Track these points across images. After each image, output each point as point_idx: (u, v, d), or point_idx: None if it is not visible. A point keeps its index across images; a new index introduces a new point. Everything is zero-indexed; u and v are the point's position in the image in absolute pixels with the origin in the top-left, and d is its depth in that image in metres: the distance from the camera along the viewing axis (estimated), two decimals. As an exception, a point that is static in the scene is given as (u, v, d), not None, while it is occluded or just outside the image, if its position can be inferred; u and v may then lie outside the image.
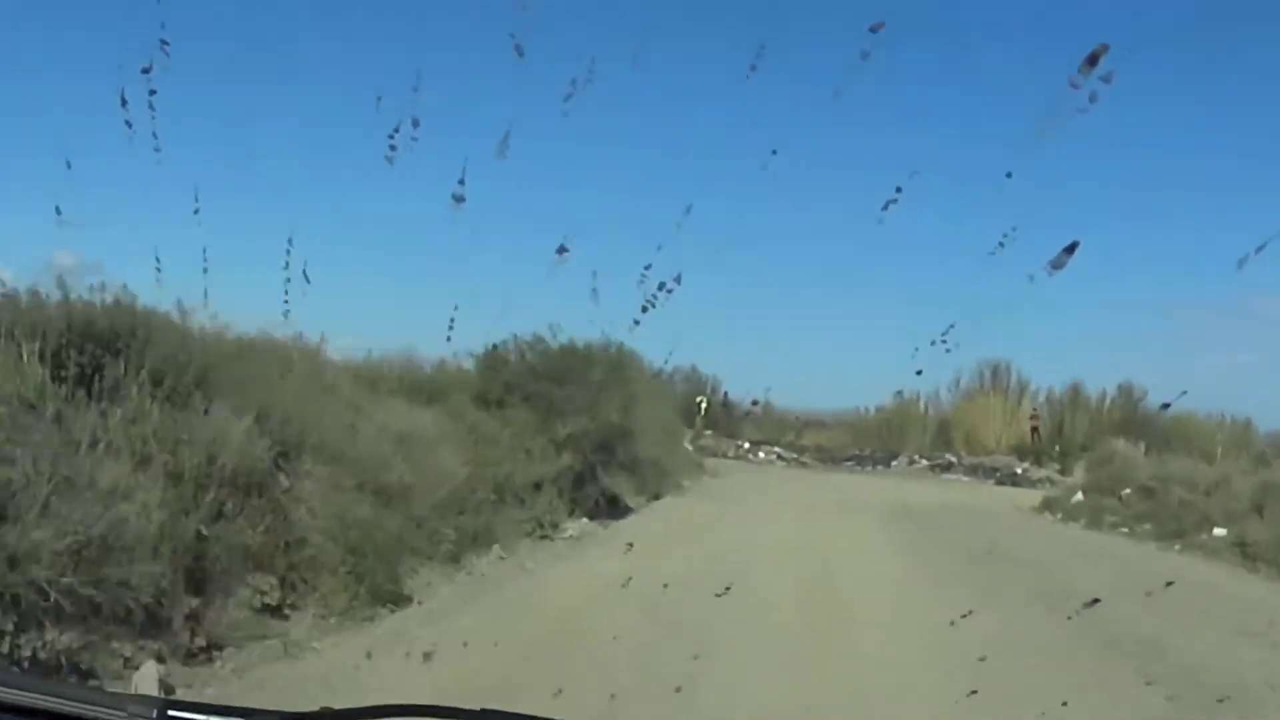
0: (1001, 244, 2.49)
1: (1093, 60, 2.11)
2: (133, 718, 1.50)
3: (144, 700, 1.53)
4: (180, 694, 5.35)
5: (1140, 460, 27.00)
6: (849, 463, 44.72)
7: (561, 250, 3.08)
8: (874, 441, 45.66)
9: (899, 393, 43.50)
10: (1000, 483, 40.28)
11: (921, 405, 46.97)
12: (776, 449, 45.21)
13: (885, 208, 2.65)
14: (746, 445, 44.21)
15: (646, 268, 2.89)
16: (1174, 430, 41.23)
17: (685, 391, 40.02)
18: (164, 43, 2.83)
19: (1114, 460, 26.93)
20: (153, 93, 2.84)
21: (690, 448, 34.05)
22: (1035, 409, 44.98)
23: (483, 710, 1.52)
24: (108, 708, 1.52)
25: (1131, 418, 42.25)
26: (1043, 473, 40.92)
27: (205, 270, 3.75)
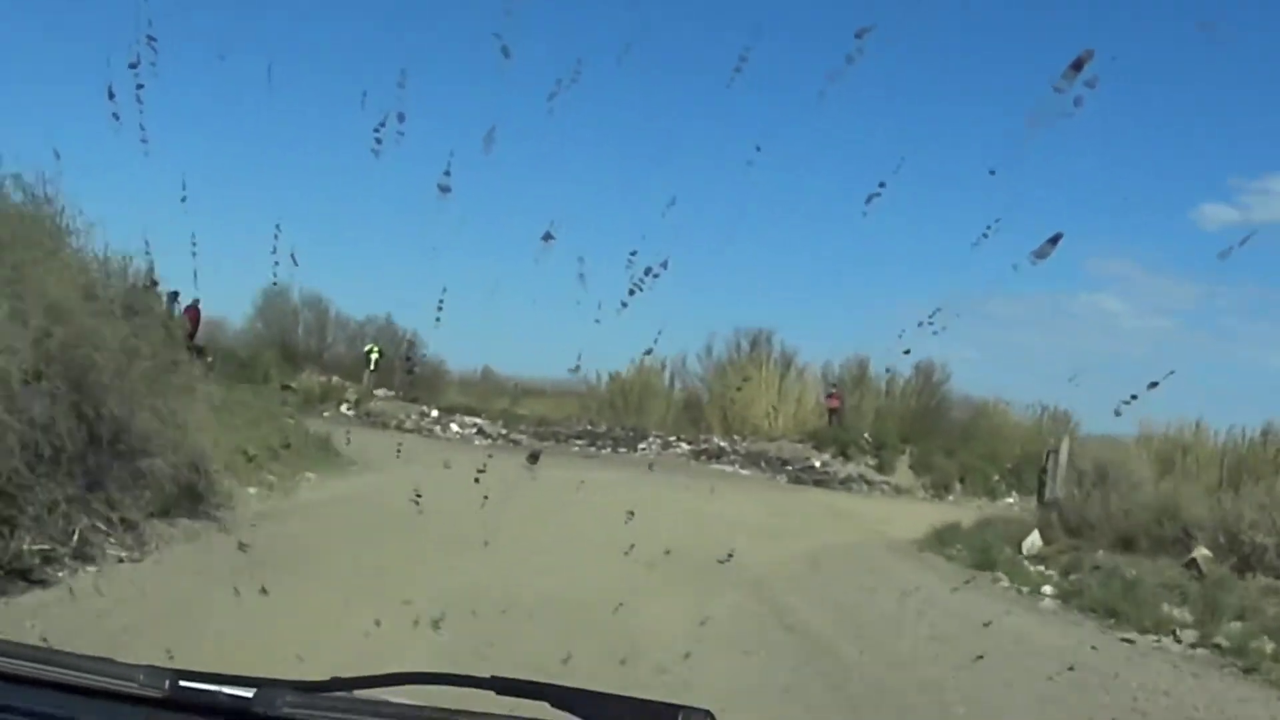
0: (985, 235, 2.55)
1: (1078, 65, 2.22)
2: (144, 688, 1.55)
3: (155, 670, 1.57)
4: None
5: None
6: (581, 442, 35.34)
7: (547, 237, 3.28)
8: (607, 415, 37.73)
9: (647, 352, 33.69)
10: (797, 480, 30.13)
11: (666, 375, 39.08)
12: (479, 420, 33.36)
13: (869, 201, 2.72)
14: (434, 414, 32.09)
15: (633, 253, 3.16)
16: (981, 421, 37.02)
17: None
18: (151, 38, 2.99)
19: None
20: (140, 86, 3.11)
21: (351, 414, 29.76)
22: (835, 387, 35.60)
23: (493, 677, 1.56)
24: (119, 679, 1.56)
25: (932, 406, 37.39)
26: (852, 469, 30.80)
27: (194, 254, 3.93)
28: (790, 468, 32.35)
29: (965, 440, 34.33)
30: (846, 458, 32.01)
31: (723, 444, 35.85)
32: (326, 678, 1.64)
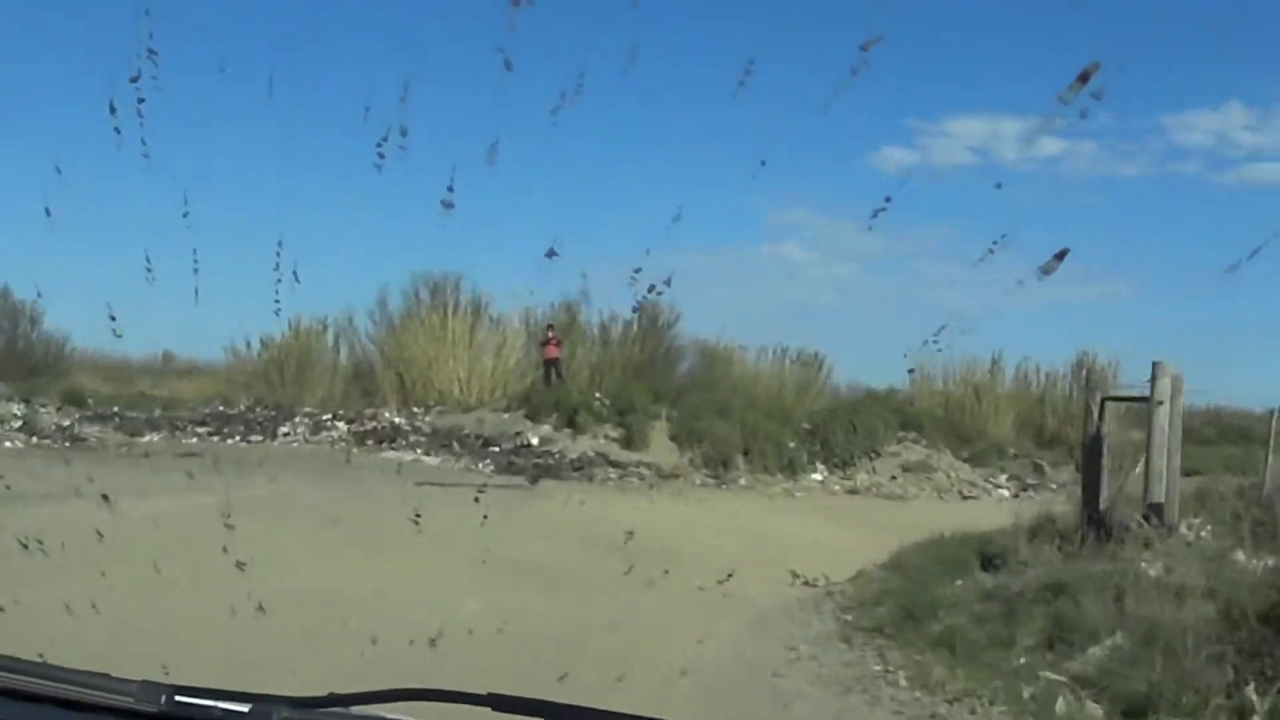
0: (991, 250, 2.71)
1: (1084, 78, 2.29)
2: (140, 702, 1.59)
3: (151, 685, 1.61)
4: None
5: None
6: (203, 430, 26.38)
7: (550, 254, 3.49)
8: (261, 391, 30.46)
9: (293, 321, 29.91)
10: (510, 468, 21.01)
11: (330, 338, 32.14)
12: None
13: (875, 216, 2.84)
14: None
15: (637, 270, 3.33)
16: (717, 362, 31.23)
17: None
18: (152, 52, 3.19)
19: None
20: (141, 101, 3.20)
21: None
22: (553, 329, 26.86)
23: (489, 694, 1.60)
24: (114, 693, 1.60)
25: (660, 354, 31.44)
26: (587, 446, 22.03)
27: (196, 270, 3.93)
28: (497, 449, 23.19)
29: (705, 392, 26.69)
30: (576, 429, 23.10)
31: (398, 420, 26.38)
32: (324, 694, 1.68)
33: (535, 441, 23.36)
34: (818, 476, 23.55)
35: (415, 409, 27.47)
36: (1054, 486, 23.48)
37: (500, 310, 30.07)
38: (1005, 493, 22.52)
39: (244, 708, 1.59)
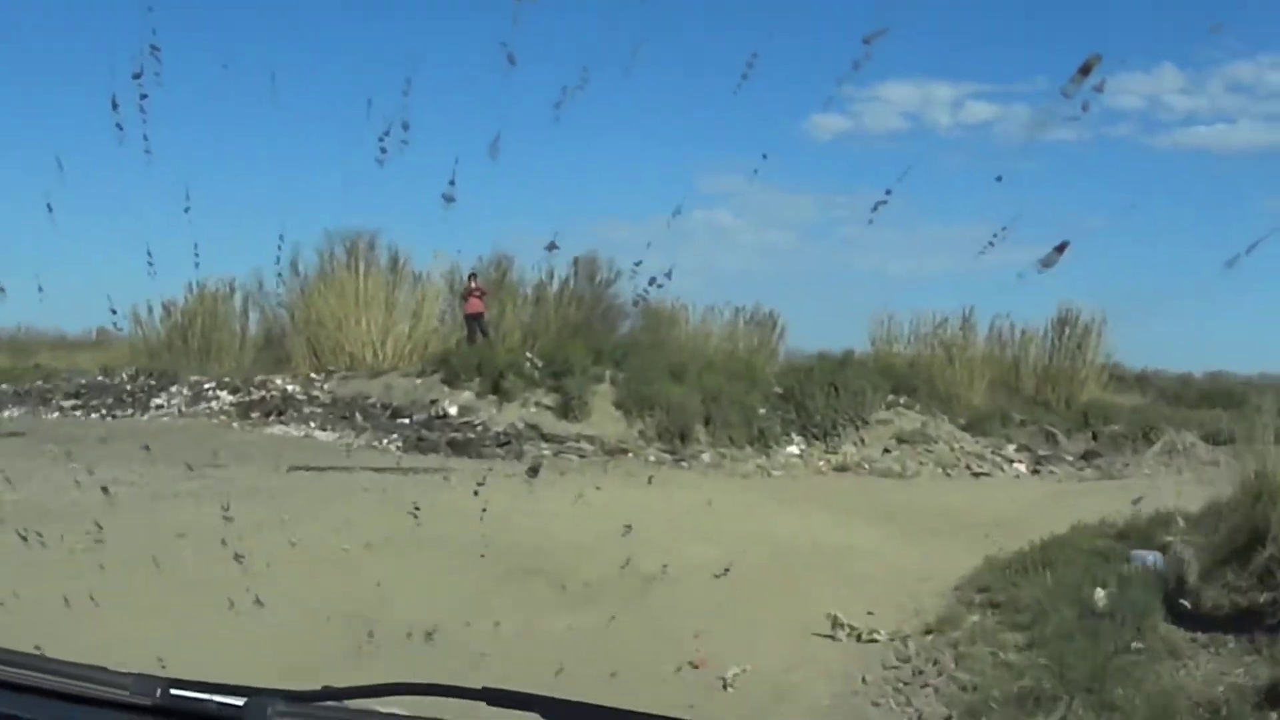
0: (991, 243, 2.72)
1: (1085, 70, 2.31)
2: (135, 695, 1.60)
3: (146, 678, 1.63)
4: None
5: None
6: (69, 403, 23.15)
7: (551, 247, 3.33)
8: (166, 361, 26.83)
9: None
10: (420, 445, 17.24)
11: (239, 301, 29.27)
12: None
13: (875, 209, 2.85)
14: None
15: (637, 263, 3.42)
16: (662, 322, 27.95)
17: None
18: (154, 48, 3.26)
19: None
20: (144, 96, 3.25)
21: None
22: (475, 279, 23.22)
23: (484, 688, 1.61)
24: (109, 686, 1.61)
25: (599, 310, 28.53)
26: (515, 415, 18.26)
27: (197, 265, 4.27)
28: (407, 421, 19.43)
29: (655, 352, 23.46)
30: (503, 396, 19.29)
31: (292, 389, 22.54)
32: (318, 687, 1.68)
33: (453, 411, 19.63)
34: (795, 450, 20.10)
35: (315, 376, 23.61)
36: (1069, 458, 20.15)
37: (424, 267, 26.72)
38: (1021, 467, 19.16)
39: (239, 701, 1.59)
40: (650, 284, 3.48)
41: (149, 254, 3.94)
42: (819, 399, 20.82)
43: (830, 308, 43.83)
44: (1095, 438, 20.99)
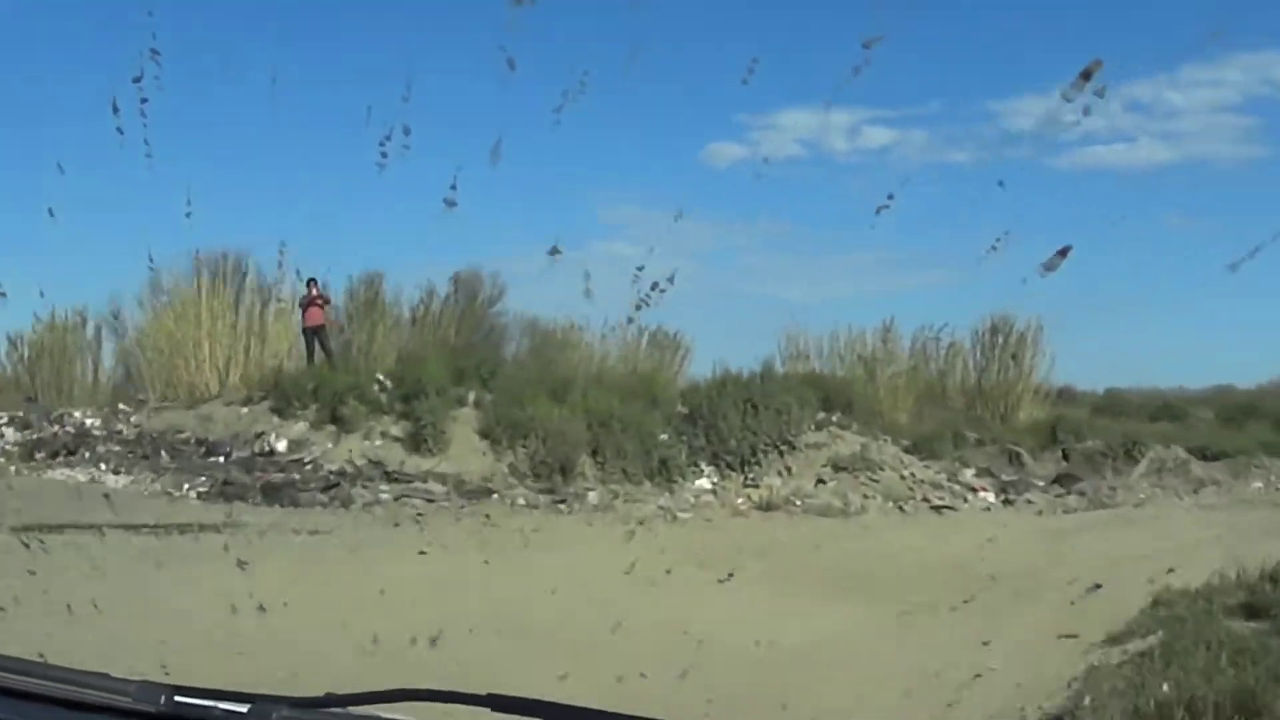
0: (994, 247, 2.83)
1: (1086, 75, 2.51)
2: (139, 702, 1.60)
3: (150, 685, 1.62)
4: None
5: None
6: None
7: (554, 251, 4.08)
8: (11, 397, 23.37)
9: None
10: (224, 493, 12.84)
11: (91, 328, 25.55)
12: None
13: (878, 212, 3.02)
14: None
15: (640, 268, 3.67)
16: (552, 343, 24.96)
17: None
18: (154, 51, 3.39)
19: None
20: (144, 100, 3.36)
21: None
22: (314, 285, 19.23)
23: (489, 695, 1.58)
24: (114, 693, 1.60)
25: (481, 331, 25.51)
26: (356, 448, 14.23)
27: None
28: (222, 458, 15.48)
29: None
30: (342, 425, 15.45)
31: (91, 422, 18.47)
32: (321, 694, 1.69)
33: (281, 446, 15.73)
34: (707, 484, 16.63)
35: (124, 407, 19.58)
36: (1040, 483, 16.93)
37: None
38: (988, 496, 15.85)
39: (243, 708, 1.59)
40: (653, 289, 3.70)
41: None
42: (734, 419, 17.34)
43: (731, 335, 42.82)
44: (1066, 457, 17.94)
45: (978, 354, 24.66)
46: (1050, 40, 38.45)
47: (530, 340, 25.71)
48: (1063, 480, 16.77)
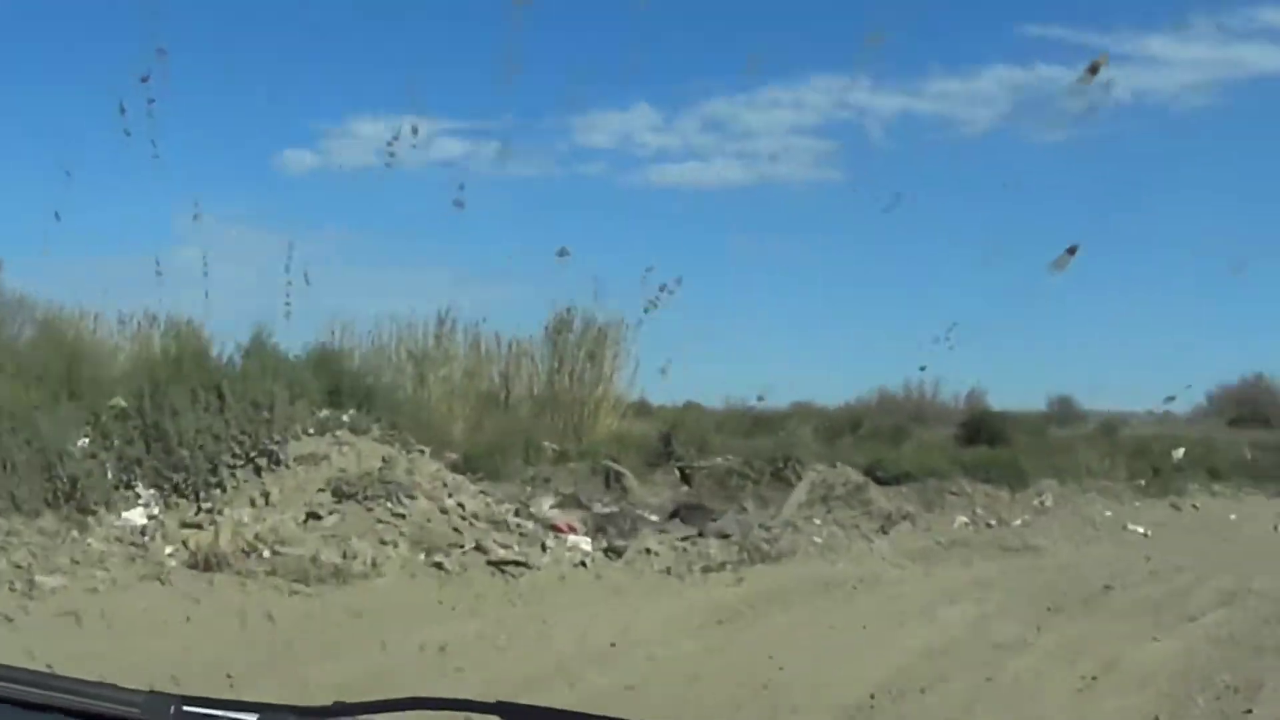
0: (993, 253, 2.90)
1: (1094, 70, 2.89)
2: (146, 713, 1.59)
3: (158, 696, 1.63)
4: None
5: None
6: None
7: (562, 253, 2.86)
8: None
9: None
10: None
11: None
12: None
13: (887, 209, 3.17)
14: None
15: (648, 269, 3.07)
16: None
17: None
18: (161, 51, 2.64)
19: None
20: (151, 101, 2.72)
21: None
22: None
23: (498, 703, 1.60)
24: (121, 704, 1.61)
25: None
26: None
27: (205, 274, 2.43)
28: None
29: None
30: None
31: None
32: (329, 703, 1.68)
33: None
34: (140, 517, 10.33)
35: None
36: (655, 518, 11.73)
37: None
38: (583, 543, 10.22)
39: (251, 717, 1.60)
40: (661, 290, 2.61)
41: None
42: (188, 418, 10.90)
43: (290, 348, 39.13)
44: (687, 479, 12.95)
45: (549, 353, 19.67)
46: (625, 59, 37.55)
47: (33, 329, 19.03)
48: (687, 514, 11.69)
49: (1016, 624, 8.44)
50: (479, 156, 37.53)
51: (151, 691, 1.60)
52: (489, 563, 9.54)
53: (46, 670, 1.83)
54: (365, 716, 1.65)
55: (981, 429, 20.75)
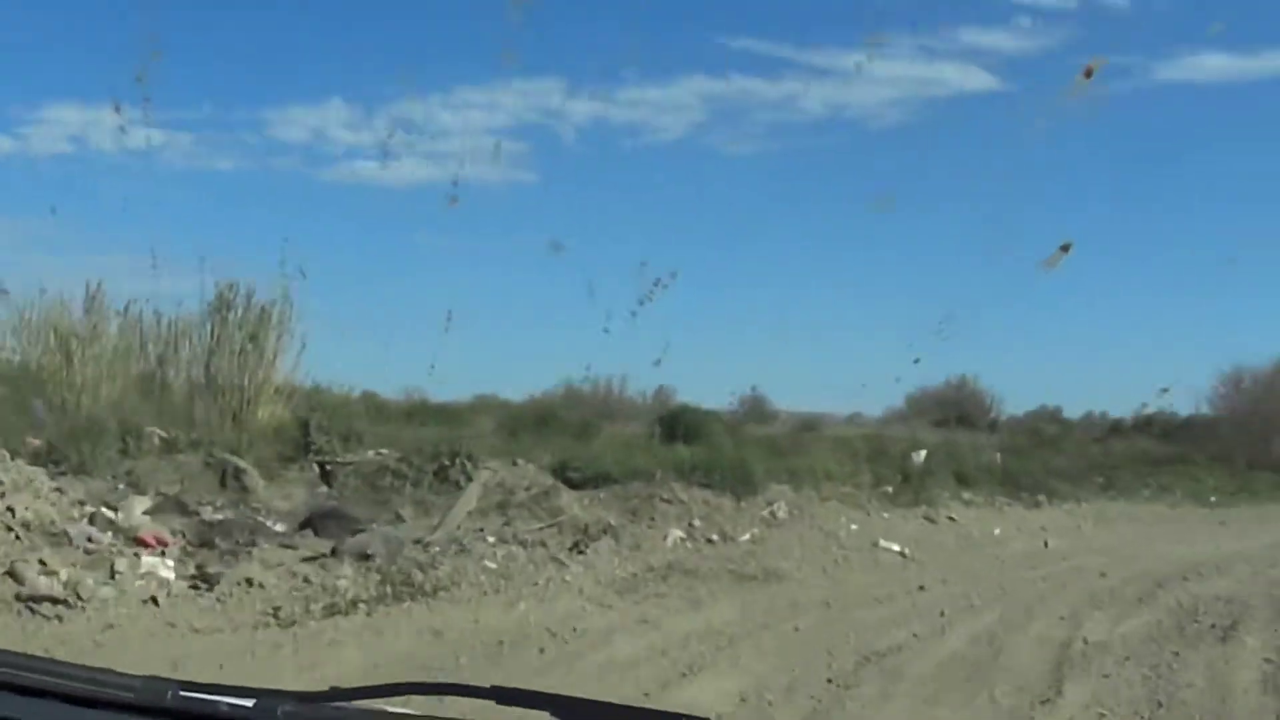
0: (992, 248, 3.15)
1: (1088, 74, 2.68)
2: (144, 697, 1.61)
3: (155, 681, 1.63)
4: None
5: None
6: None
7: (556, 247, 3.26)
8: None
9: None
10: None
11: None
12: None
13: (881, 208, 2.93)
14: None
15: (643, 263, 2.42)
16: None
17: None
18: (157, 50, 2.32)
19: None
20: (146, 99, 2.36)
21: None
22: None
23: (493, 687, 1.61)
24: (118, 688, 1.62)
25: None
26: None
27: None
28: None
29: None
30: None
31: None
32: (326, 688, 1.69)
33: None
34: None
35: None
36: (281, 528, 9.09)
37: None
38: (163, 568, 7.33)
39: (248, 702, 1.60)
40: (655, 285, 2.29)
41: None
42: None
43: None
44: (328, 478, 10.23)
45: (208, 333, 16.60)
46: (323, 52, 39.38)
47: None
48: (321, 523, 9.00)
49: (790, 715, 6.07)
50: (174, 147, 35.73)
51: (149, 676, 1.59)
52: (18, 598, 6.71)
53: (44, 655, 1.80)
54: (360, 701, 1.64)
55: (678, 425, 19.33)
